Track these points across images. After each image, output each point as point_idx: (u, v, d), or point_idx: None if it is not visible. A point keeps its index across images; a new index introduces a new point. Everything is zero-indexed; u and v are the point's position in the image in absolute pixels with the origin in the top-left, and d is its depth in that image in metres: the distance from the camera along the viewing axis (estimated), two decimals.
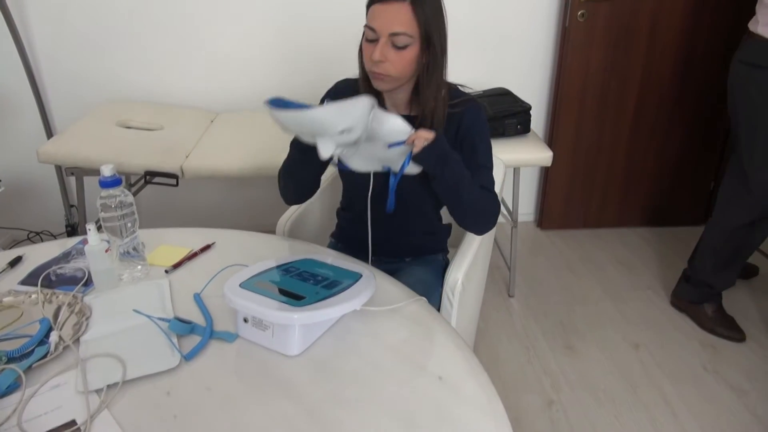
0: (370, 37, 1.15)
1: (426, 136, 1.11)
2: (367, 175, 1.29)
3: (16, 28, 2.27)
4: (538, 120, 2.70)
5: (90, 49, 2.41)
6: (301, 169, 1.26)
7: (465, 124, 1.24)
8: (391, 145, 1.12)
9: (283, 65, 2.50)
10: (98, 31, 2.38)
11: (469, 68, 2.57)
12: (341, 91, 1.31)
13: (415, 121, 1.22)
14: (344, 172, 1.32)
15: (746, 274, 2.39)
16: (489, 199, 1.24)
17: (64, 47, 2.39)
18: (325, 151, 1.04)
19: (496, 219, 1.26)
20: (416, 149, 1.11)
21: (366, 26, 1.15)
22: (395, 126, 1.10)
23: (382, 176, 1.25)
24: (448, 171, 1.14)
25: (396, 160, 1.17)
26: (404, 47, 1.13)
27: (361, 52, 1.20)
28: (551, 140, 2.63)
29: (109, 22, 2.37)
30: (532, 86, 2.64)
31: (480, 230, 1.26)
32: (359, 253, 1.43)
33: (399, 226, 1.40)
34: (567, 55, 2.46)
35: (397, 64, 1.15)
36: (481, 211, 1.23)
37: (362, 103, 1.00)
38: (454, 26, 2.44)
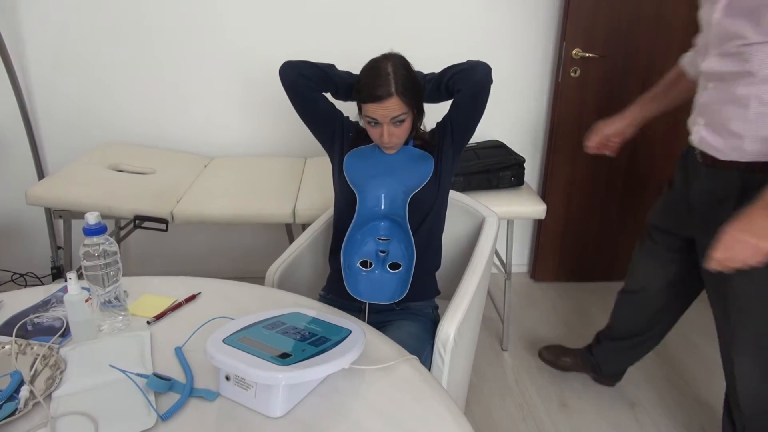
0: (372, 123, 1.35)
1: None
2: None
3: (13, 69, 2.28)
4: (531, 173, 2.71)
5: (87, 92, 2.42)
6: (324, 89, 1.44)
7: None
8: None
9: (281, 110, 2.51)
10: (96, 75, 2.40)
11: None
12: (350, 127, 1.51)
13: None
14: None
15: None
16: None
17: (60, 90, 2.40)
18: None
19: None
20: None
21: (365, 117, 1.35)
22: None
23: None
24: None
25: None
26: (403, 121, 1.35)
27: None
28: (545, 193, 2.63)
29: (107, 65, 2.39)
30: (525, 140, 2.65)
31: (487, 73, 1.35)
32: (351, 301, 1.43)
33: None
34: (560, 110, 2.49)
35: (402, 135, 1.37)
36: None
37: None
38: None
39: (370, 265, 1.41)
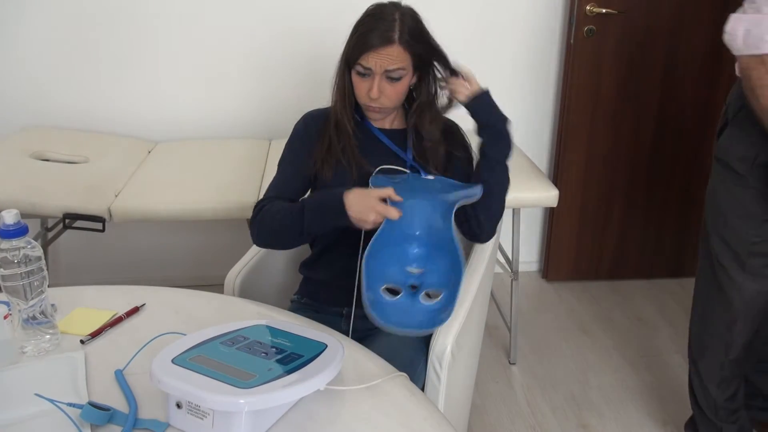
0: (363, 73, 1.34)
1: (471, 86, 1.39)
2: None
3: None
4: (541, 153, 2.73)
5: (3, 67, 2.39)
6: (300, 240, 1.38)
7: (460, 137, 1.50)
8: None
9: (239, 83, 2.50)
10: (15, 46, 2.37)
11: None
12: (313, 125, 1.47)
13: (404, 135, 1.46)
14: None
15: None
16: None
17: None
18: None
19: None
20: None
21: (358, 64, 1.33)
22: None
23: None
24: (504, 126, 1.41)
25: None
26: (399, 79, 1.34)
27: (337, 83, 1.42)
28: (556, 176, 2.65)
29: (28, 35, 2.36)
30: (532, 114, 2.67)
31: (495, 226, 1.45)
32: (331, 306, 1.45)
33: None
34: (572, 77, 2.50)
35: (393, 97, 1.37)
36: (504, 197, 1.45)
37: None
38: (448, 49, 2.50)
39: (398, 293, 1.29)
